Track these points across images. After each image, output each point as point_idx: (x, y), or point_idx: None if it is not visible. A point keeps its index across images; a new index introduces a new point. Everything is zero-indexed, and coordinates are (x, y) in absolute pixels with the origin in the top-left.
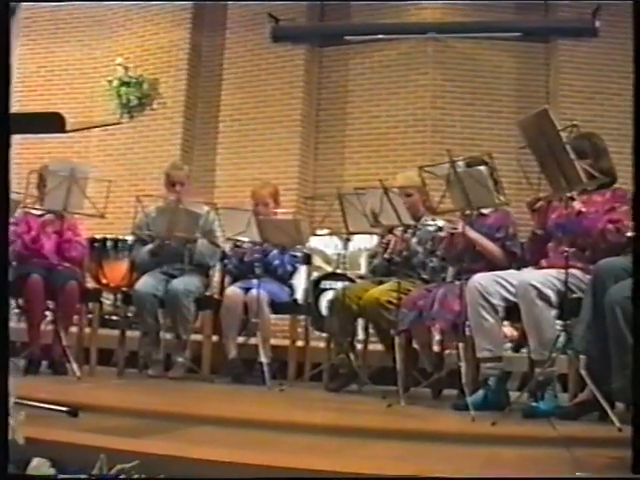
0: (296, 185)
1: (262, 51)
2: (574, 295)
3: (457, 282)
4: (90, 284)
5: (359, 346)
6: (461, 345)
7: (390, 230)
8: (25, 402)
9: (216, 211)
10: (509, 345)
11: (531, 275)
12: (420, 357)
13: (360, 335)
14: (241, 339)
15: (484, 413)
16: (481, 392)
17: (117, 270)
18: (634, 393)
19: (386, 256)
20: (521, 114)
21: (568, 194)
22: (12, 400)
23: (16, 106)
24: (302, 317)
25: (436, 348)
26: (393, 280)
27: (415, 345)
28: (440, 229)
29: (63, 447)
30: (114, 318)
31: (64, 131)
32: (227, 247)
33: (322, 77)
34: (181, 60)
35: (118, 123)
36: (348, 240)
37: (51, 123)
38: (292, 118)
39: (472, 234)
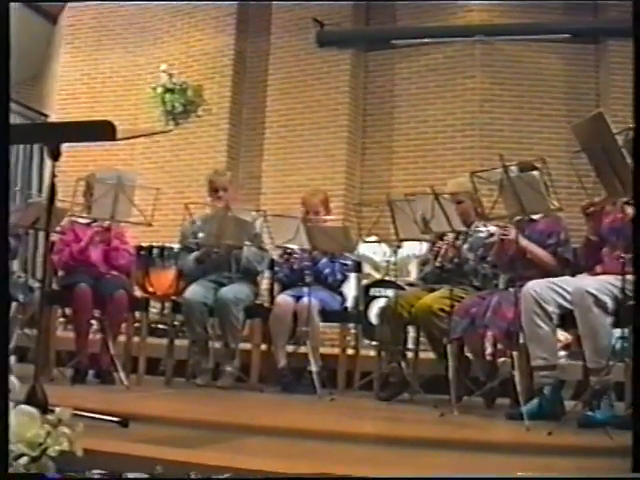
0: (343, 191)
1: (307, 56)
2: (631, 302)
3: (511, 289)
4: (137, 292)
5: (410, 354)
6: (515, 353)
7: (441, 237)
8: (77, 412)
9: (265, 218)
10: (563, 353)
11: (587, 281)
12: (473, 365)
13: (411, 343)
14: (290, 348)
15: (539, 423)
16: (535, 401)
17: (164, 278)
18: (634, 394)
19: (437, 263)
20: (571, 117)
21: (623, 199)
22: (66, 411)
23: (60, 114)
24: (352, 325)
25: (489, 356)
26: (445, 287)
27: (468, 353)
28: (491, 235)
29: (119, 458)
30: (162, 327)
31: (115, 139)
32: (276, 255)
33: (368, 82)
34: (226, 66)
35: (168, 131)
36: (398, 247)
37: (102, 131)
38: (338, 124)
39: (523, 242)
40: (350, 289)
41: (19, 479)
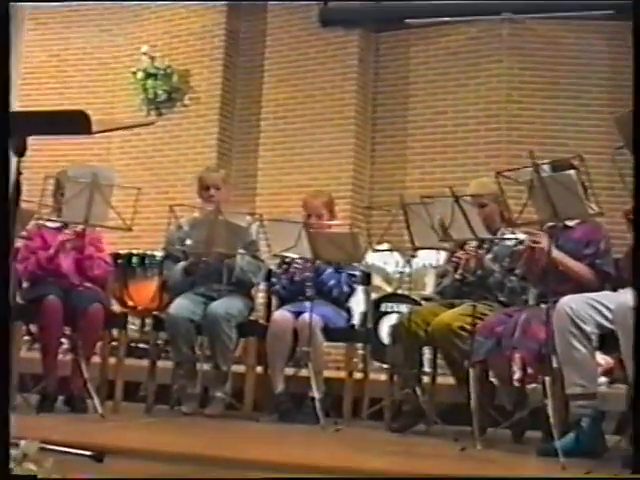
0: (350, 193)
1: (309, 37)
2: None
3: (542, 305)
4: (114, 307)
5: (426, 379)
6: (547, 379)
7: (462, 245)
8: (44, 446)
9: (261, 223)
10: (604, 379)
11: (631, 297)
12: (498, 392)
13: (427, 366)
14: (290, 370)
15: (576, 460)
16: (572, 435)
17: (145, 290)
18: (634, 395)
19: (457, 275)
20: (613, 107)
21: None
22: (32, 445)
23: (24, 101)
24: (360, 345)
25: (517, 382)
26: (466, 303)
27: (493, 379)
28: (520, 243)
29: None
30: (142, 346)
31: (90, 132)
32: (273, 265)
33: (379, 67)
34: (216, 48)
35: (150, 123)
36: (412, 256)
37: (75, 123)
38: (345, 115)
39: (555, 253)
40: (358, 304)
41: (19, 479)
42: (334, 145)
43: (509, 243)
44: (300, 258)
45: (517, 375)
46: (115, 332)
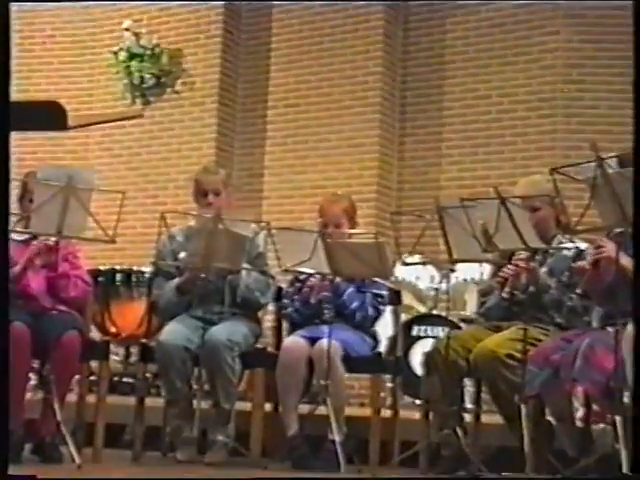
0: (375, 195)
1: (325, 9)
2: None
3: (609, 329)
4: (94, 334)
5: (469, 417)
6: (618, 418)
7: (510, 257)
8: None
9: (269, 232)
10: None
11: None
12: (557, 434)
13: (470, 402)
14: (305, 408)
15: None
16: None
17: (130, 314)
18: (634, 395)
19: (505, 293)
20: None
21: None
22: None
23: None
24: (388, 377)
25: (580, 422)
26: (516, 326)
27: (549, 417)
28: (581, 254)
29: None
30: (128, 381)
31: (65, 128)
32: (284, 282)
33: (408, 44)
34: (213, 23)
35: (138, 116)
36: (450, 270)
37: (47, 117)
38: (368, 102)
39: (625, 260)
40: (385, 328)
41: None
42: (355, 138)
43: (567, 254)
44: (316, 274)
45: (580, 413)
46: (95, 364)
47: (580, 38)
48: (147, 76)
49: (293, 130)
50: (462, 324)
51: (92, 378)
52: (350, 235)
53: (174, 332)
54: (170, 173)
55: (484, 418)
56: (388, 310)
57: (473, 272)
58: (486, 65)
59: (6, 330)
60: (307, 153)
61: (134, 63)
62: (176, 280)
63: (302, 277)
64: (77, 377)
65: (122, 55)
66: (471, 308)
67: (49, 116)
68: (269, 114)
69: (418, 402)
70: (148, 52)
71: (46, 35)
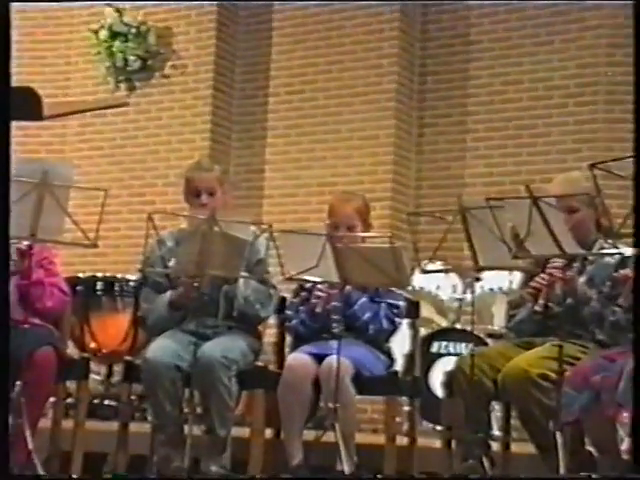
0: (390, 193)
1: None
2: None
3: None
4: (71, 350)
5: (496, 446)
6: None
7: (543, 264)
8: None
9: (270, 235)
10: None
11: None
12: (599, 465)
13: (497, 429)
14: (310, 434)
15: None
16: None
17: (113, 327)
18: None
19: (538, 306)
20: None
21: None
22: None
23: None
24: (405, 399)
25: (626, 454)
26: (550, 342)
27: (589, 447)
28: (625, 261)
29: None
30: (109, 404)
31: (40, 118)
32: (288, 292)
33: (428, 22)
34: None
35: (123, 105)
36: (476, 279)
37: (20, 105)
38: (382, 88)
39: None
40: (401, 343)
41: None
42: (368, 129)
43: (609, 261)
44: (324, 283)
45: (626, 444)
46: (72, 385)
47: (626, 13)
48: (132, 58)
49: (297, 120)
50: (489, 340)
51: (69, 401)
52: (363, 239)
53: (163, 348)
54: (159, 168)
55: (514, 447)
56: (405, 323)
57: (501, 281)
58: (517, 46)
59: (6, 330)
60: (313, 146)
61: (117, 43)
62: (169, 294)
63: (308, 286)
64: (52, 399)
65: (103, 34)
66: (499, 322)
67: (22, 104)
68: (270, 102)
69: (439, 428)
70: (133, 30)
71: (16, 10)
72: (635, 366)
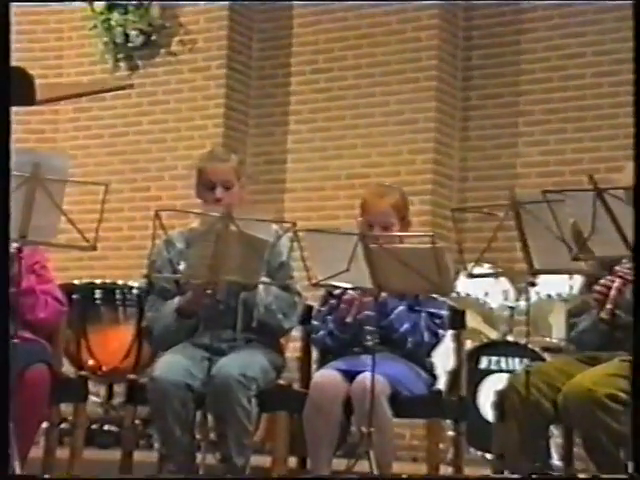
0: (430, 186)
1: None
2: None
3: None
4: (66, 368)
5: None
6: None
7: (610, 266)
8: None
9: (294, 235)
10: None
11: None
12: None
13: (558, 457)
14: (341, 463)
15: None
16: None
17: (114, 342)
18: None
19: (604, 314)
20: None
21: None
22: None
23: None
24: (449, 423)
25: None
26: (619, 357)
27: None
28: None
29: None
30: (110, 429)
31: (33, 103)
32: (315, 300)
33: None
34: None
35: (125, 87)
36: (530, 284)
37: (13, 89)
38: (421, 65)
39: None
40: (445, 358)
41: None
42: (405, 112)
43: None
44: (356, 289)
45: None
46: (68, 408)
47: None
48: (133, 33)
49: (324, 103)
50: (546, 354)
51: (64, 426)
52: (400, 239)
53: (172, 365)
54: (165, 159)
55: None
56: (449, 335)
57: (560, 286)
58: (578, 12)
59: (6, 331)
60: (342, 132)
61: (115, 15)
62: (177, 300)
63: (337, 293)
64: (44, 425)
65: (99, 5)
66: (558, 333)
67: (15, 88)
68: (293, 82)
69: (489, 456)
70: (133, 2)
71: None
72: (635, 366)
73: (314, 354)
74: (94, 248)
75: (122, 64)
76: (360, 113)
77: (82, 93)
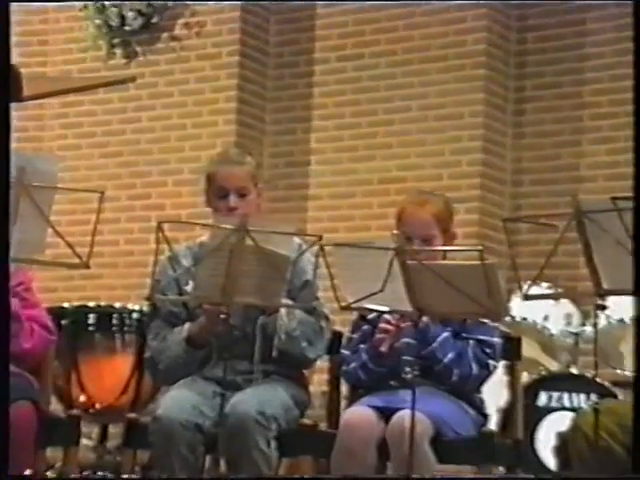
0: (478, 191)
1: None
2: None
3: None
4: (55, 406)
5: None
6: None
7: None
8: None
9: (320, 250)
10: None
11: None
12: None
13: None
14: None
15: None
16: None
17: (110, 374)
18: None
19: None
20: None
21: None
22: None
23: None
24: (502, 469)
25: None
26: None
27: None
28: None
29: None
30: (105, 476)
31: (20, 99)
32: (344, 325)
33: None
34: None
35: (129, 80)
36: (599, 307)
37: None
38: (467, 50)
39: None
40: (497, 394)
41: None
42: (448, 105)
43: None
44: (392, 313)
45: None
46: (56, 452)
47: None
48: (130, 14)
49: (353, 95)
50: (617, 389)
51: (50, 474)
52: (443, 254)
53: (179, 402)
54: (169, 161)
55: None
56: (501, 367)
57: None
58: None
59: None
60: (374, 129)
61: None
62: (186, 327)
63: (371, 317)
64: (28, 472)
65: None
66: (631, 364)
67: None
68: (316, 71)
69: None
70: None
71: None
72: (635, 367)
73: (344, 388)
74: (87, 266)
75: (117, 51)
76: (396, 107)
77: (74, 88)
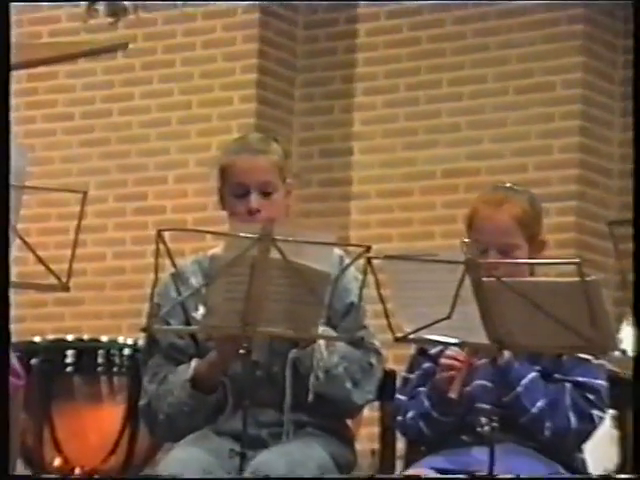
0: (576, 186)
1: None
2: None
3: None
4: (22, 470)
5: None
6: None
7: None
8: None
9: (368, 265)
10: None
11: None
12: None
13: None
14: None
15: None
16: None
17: (93, 429)
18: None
19: None
20: None
21: None
22: None
23: None
24: None
25: None
26: None
27: None
28: None
29: None
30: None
31: None
32: (400, 362)
33: None
34: None
35: (121, 47)
36: None
37: None
38: (556, 16)
39: None
40: (603, 453)
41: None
42: (535, 74)
43: None
44: (462, 345)
45: None
46: None
47: None
48: None
49: (408, 61)
50: None
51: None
52: (530, 268)
53: (186, 464)
54: (170, 151)
55: None
56: (608, 418)
57: None
58: None
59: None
60: (436, 106)
61: None
62: (194, 365)
63: (434, 352)
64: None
65: None
66: None
67: None
68: (361, 32)
69: None
70: None
71: None
72: (635, 366)
73: (400, 445)
74: (66, 287)
75: (100, 7)
76: (464, 76)
77: (44, 59)
